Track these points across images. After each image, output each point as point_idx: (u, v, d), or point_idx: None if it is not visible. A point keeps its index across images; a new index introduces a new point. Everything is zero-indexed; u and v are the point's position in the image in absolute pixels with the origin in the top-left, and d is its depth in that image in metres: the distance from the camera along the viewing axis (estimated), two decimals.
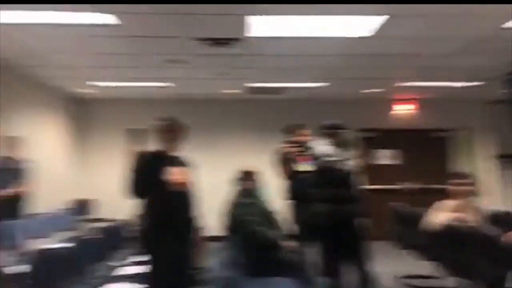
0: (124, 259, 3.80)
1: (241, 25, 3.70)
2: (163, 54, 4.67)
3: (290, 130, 4.27)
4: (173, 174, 2.53)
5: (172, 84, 6.25)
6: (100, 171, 7.42)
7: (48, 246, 3.15)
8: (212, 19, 3.59)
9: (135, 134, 2.51)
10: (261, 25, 3.70)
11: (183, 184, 2.62)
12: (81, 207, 6.64)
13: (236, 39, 4.09)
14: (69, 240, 3.55)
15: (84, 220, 6.48)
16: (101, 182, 7.26)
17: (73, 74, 5.66)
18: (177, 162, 2.75)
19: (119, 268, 3.46)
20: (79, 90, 6.79)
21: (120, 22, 3.65)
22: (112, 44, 4.32)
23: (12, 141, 4.69)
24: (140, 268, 3.30)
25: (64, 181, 6.81)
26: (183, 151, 2.89)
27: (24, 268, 2.54)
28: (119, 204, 6.49)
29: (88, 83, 6.17)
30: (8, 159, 4.58)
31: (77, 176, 7.32)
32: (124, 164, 6.10)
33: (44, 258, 2.63)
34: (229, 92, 6.88)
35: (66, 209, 6.09)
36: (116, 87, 6.41)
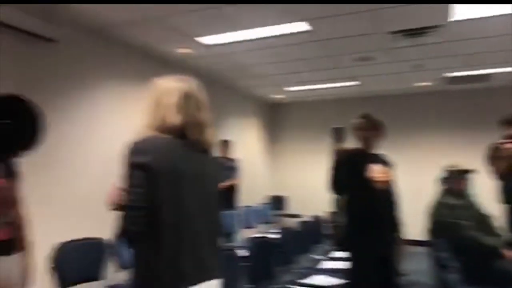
0: (323, 253, 3.95)
1: (444, 11, 3.40)
2: (353, 53, 4.69)
3: (508, 122, 3.64)
4: (375, 172, 2.49)
5: (361, 82, 6.21)
6: (290, 170, 7.96)
7: (261, 235, 3.53)
8: (409, 9, 3.41)
9: (337, 132, 2.55)
10: (467, 7, 3.32)
11: (385, 183, 2.55)
12: (276, 202, 7.26)
13: (435, 27, 3.78)
14: (276, 231, 3.93)
15: (280, 214, 7.05)
16: (290, 180, 7.81)
17: (269, 82, 6.25)
18: (377, 160, 2.70)
19: (321, 262, 3.62)
20: (273, 96, 7.45)
21: (311, 28, 3.85)
22: (305, 50, 4.57)
23: (225, 144, 5.55)
24: (340, 264, 3.38)
25: (260, 178, 7.57)
26: (381, 149, 2.83)
27: (244, 252, 2.92)
28: (308, 201, 6.89)
29: (283, 88, 6.70)
30: (223, 158, 5.41)
31: (271, 174, 8.03)
32: (318, 162, 6.32)
33: (259, 245, 2.98)
34: (422, 85, 6.40)
35: (264, 203, 6.76)
36: (306, 90, 6.77)
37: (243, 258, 2.84)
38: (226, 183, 5.17)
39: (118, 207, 1.38)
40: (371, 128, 2.75)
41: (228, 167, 5.40)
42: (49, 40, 3.41)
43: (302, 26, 3.81)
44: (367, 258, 2.66)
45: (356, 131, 2.77)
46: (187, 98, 1.48)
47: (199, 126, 1.49)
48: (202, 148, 1.52)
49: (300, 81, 6.22)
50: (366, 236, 2.67)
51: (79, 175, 3.69)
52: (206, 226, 1.48)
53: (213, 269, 1.49)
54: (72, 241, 2.76)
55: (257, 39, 4.12)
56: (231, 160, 5.54)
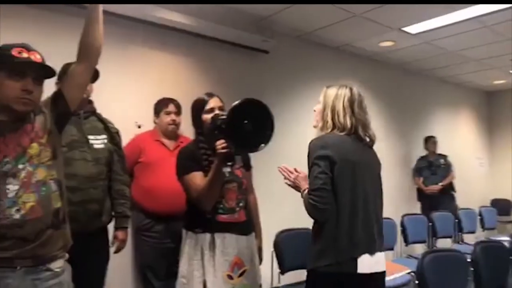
0: None
1: None
2: None
3: None
4: None
5: None
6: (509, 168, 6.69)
7: (485, 239, 3.12)
8: None
9: None
10: None
11: None
12: (498, 206, 6.22)
13: None
14: (503, 239, 3.39)
15: (506, 221, 6.05)
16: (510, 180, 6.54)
17: (487, 66, 5.42)
18: None
19: None
20: (492, 82, 6.44)
21: None
22: None
23: (431, 140, 5.23)
24: None
25: (476, 178, 6.63)
26: None
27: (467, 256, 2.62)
28: None
29: (510, 71, 5.71)
30: (434, 155, 5.14)
31: (489, 173, 6.95)
32: None
33: (487, 251, 2.63)
34: None
35: (483, 207, 5.90)
36: None
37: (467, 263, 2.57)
38: (443, 182, 4.93)
39: (292, 185, 1.86)
40: None
41: (442, 165, 5.06)
42: (263, 51, 3.87)
43: None
44: None
45: None
46: (352, 102, 1.76)
47: (365, 125, 1.77)
48: (368, 144, 1.80)
49: None
50: None
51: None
52: (374, 207, 1.75)
53: (380, 243, 1.76)
54: (290, 229, 3.04)
55: (472, 18, 3.67)
56: (443, 156, 5.16)
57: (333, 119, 1.76)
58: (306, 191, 1.73)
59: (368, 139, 1.80)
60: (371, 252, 1.69)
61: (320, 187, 1.63)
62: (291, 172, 1.88)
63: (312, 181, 1.67)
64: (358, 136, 1.76)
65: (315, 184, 1.65)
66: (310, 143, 1.75)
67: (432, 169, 5.09)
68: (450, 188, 5.04)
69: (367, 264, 1.67)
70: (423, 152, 5.36)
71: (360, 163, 1.72)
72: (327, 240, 1.67)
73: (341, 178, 1.66)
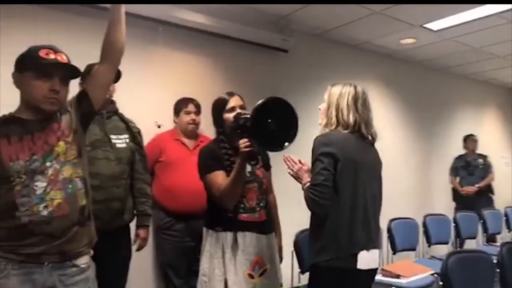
0: None
1: None
2: None
3: None
4: None
5: None
6: None
7: (511, 240, 3.04)
8: None
9: None
10: None
11: None
12: None
13: None
14: None
15: None
16: None
17: (510, 62, 5.28)
18: None
19: None
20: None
21: None
22: None
23: (471, 138, 5.14)
24: None
25: (504, 177, 6.44)
26: None
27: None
28: None
29: None
30: (468, 155, 5.06)
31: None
32: None
33: (510, 252, 2.55)
34: None
35: (507, 207, 5.73)
36: None
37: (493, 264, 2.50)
38: (480, 184, 4.82)
39: (294, 175, 1.87)
40: None
41: (480, 165, 4.94)
42: (283, 50, 3.87)
43: None
44: None
45: None
46: (356, 100, 1.78)
47: (368, 123, 1.80)
48: (370, 142, 1.83)
49: None
50: None
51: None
52: (373, 205, 1.79)
53: (377, 240, 1.82)
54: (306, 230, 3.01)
55: (494, 14, 3.59)
56: (483, 156, 5.04)
57: (337, 116, 1.79)
58: (307, 184, 1.76)
59: (370, 137, 1.83)
60: (368, 249, 1.75)
61: (321, 182, 1.67)
62: (295, 163, 1.90)
63: (314, 176, 1.71)
64: (361, 134, 1.80)
65: (317, 180, 1.69)
66: (314, 139, 1.78)
67: (470, 169, 4.91)
68: (488, 190, 4.88)
69: (365, 260, 1.73)
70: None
71: (362, 161, 1.76)
72: (328, 236, 1.71)
73: (343, 176, 1.70)
